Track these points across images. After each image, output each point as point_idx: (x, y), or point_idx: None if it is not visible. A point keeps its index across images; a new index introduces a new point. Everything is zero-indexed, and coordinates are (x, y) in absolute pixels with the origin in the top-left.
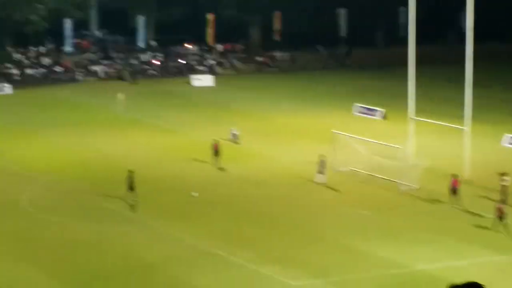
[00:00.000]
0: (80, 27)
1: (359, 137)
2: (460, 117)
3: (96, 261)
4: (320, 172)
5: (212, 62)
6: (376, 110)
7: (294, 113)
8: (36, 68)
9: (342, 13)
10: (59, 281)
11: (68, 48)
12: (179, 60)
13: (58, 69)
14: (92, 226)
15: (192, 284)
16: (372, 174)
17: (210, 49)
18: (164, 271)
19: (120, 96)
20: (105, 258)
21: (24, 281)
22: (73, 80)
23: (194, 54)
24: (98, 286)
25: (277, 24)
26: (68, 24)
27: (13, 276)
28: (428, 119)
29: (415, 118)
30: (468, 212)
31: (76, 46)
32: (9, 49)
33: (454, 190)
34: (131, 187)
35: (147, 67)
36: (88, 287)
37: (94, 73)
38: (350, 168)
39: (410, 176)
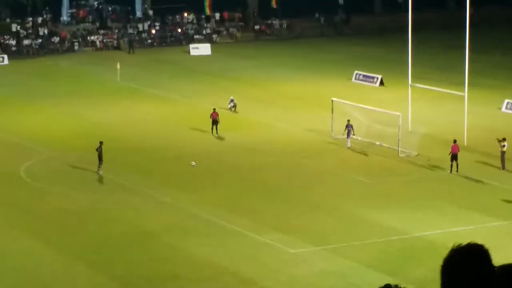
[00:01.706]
0: None
1: (358, 105)
2: (458, 83)
3: (95, 230)
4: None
5: (209, 31)
6: (375, 77)
7: (293, 81)
8: (33, 39)
9: None
10: (57, 249)
11: (65, 18)
12: (177, 29)
13: (55, 39)
14: (91, 195)
15: (191, 252)
16: (372, 141)
17: (208, 18)
18: (163, 239)
19: (118, 65)
20: (104, 227)
21: (22, 250)
22: (70, 50)
23: (191, 23)
24: (96, 254)
25: None
26: None
27: (10, 245)
28: (426, 85)
29: (414, 84)
30: (468, 178)
31: (73, 16)
32: (7, 20)
33: (454, 156)
34: (100, 158)
35: (144, 36)
36: (86, 255)
37: (92, 43)
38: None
39: (409, 143)
